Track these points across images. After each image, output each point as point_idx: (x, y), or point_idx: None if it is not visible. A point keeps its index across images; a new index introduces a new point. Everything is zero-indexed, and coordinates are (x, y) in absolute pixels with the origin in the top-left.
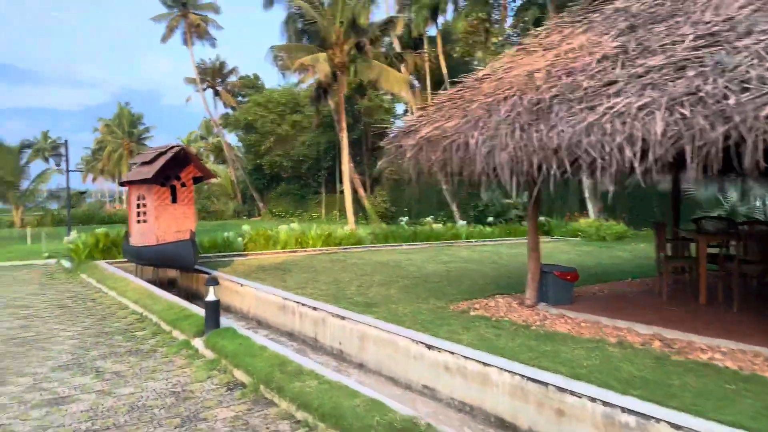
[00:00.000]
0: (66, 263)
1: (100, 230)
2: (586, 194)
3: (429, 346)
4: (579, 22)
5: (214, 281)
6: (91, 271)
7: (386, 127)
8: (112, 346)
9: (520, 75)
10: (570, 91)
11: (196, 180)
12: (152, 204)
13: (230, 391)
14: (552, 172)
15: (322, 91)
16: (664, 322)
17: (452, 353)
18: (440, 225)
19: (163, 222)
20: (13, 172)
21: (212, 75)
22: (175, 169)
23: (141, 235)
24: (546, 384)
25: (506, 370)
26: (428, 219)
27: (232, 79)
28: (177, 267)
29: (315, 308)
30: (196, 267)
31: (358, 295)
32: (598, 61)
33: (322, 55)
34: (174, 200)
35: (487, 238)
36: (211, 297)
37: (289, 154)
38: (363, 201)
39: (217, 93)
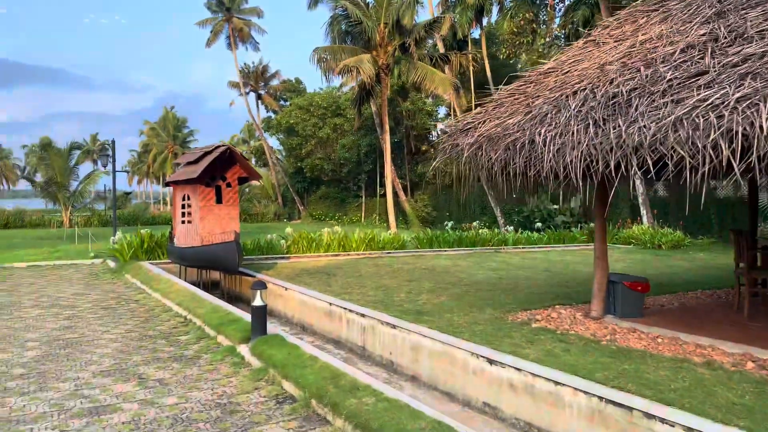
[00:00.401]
0: (111, 263)
1: (145, 231)
2: (640, 200)
3: (491, 361)
4: (654, 11)
5: (262, 285)
6: (135, 271)
7: (428, 131)
8: (155, 350)
9: (591, 68)
10: (651, 84)
11: (242, 180)
12: (197, 204)
13: (279, 405)
14: (632, 172)
15: (364, 93)
16: (751, 339)
17: (518, 369)
18: (486, 230)
19: (207, 223)
20: (62, 173)
21: (255, 79)
22: (220, 169)
23: (185, 236)
24: (630, 409)
25: (582, 391)
26: (474, 224)
27: (275, 82)
28: (221, 269)
29: (363, 315)
30: (240, 269)
31: (408, 303)
32: (682, 50)
33: (366, 57)
34: (219, 201)
35: (534, 245)
36: (258, 302)
37: (330, 158)
38: (404, 205)
39: (259, 97)
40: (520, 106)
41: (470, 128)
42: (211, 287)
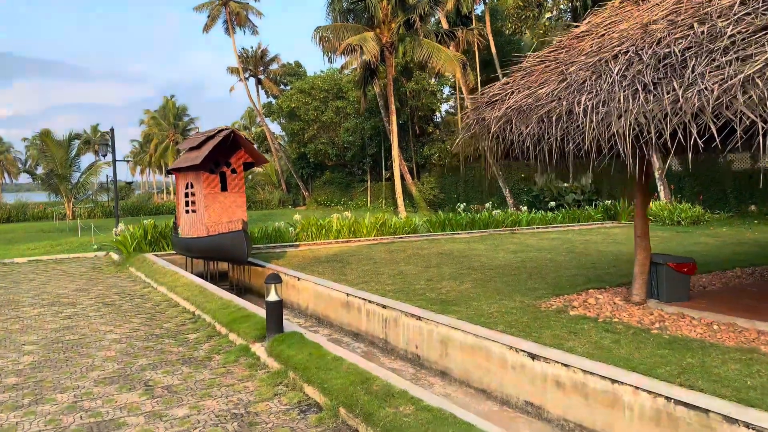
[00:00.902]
0: (115, 256)
1: (148, 221)
2: (656, 175)
3: (533, 356)
4: None
5: (276, 279)
6: (139, 264)
7: (433, 111)
8: (162, 352)
9: (632, 29)
10: (710, 41)
11: (247, 166)
12: (201, 192)
13: (303, 415)
14: (691, 141)
15: (368, 73)
16: None
17: (566, 365)
18: (499, 211)
19: (213, 212)
20: (63, 165)
21: (254, 63)
22: (224, 155)
23: (190, 227)
24: (706, 411)
25: (645, 390)
26: (487, 205)
27: (274, 66)
28: (229, 260)
29: (385, 306)
30: (249, 259)
31: (431, 291)
32: (742, 2)
33: (370, 35)
34: (224, 188)
35: (549, 225)
36: (272, 296)
37: (333, 142)
38: (410, 188)
39: (259, 82)
40: (553, 74)
41: (497, 100)
42: (219, 278)
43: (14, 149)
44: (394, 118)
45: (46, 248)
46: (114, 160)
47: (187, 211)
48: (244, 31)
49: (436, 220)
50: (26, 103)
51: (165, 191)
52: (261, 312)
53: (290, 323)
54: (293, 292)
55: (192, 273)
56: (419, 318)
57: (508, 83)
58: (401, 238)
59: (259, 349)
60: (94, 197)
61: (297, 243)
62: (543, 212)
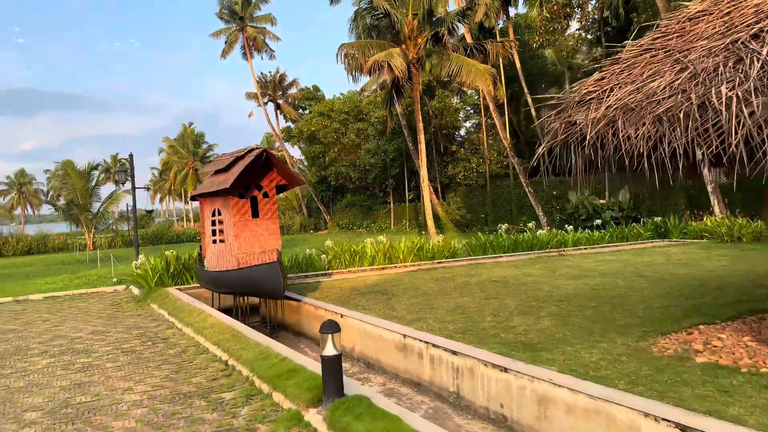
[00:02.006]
0: (135, 290)
1: (170, 252)
2: (709, 188)
3: (683, 428)
4: None
5: (333, 327)
6: (161, 300)
7: (457, 129)
8: (192, 420)
9: None
10: None
11: (280, 189)
12: (230, 220)
13: None
14: None
15: (394, 90)
16: None
17: None
18: (543, 231)
19: (244, 241)
20: (83, 195)
21: (273, 88)
22: (255, 177)
23: (218, 258)
24: None
25: None
26: (531, 224)
27: (293, 91)
28: (263, 295)
29: (455, 352)
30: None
31: (504, 330)
32: None
33: (396, 50)
34: (255, 214)
35: (596, 245)
36: (330, 350)
37: (355, 164)
38: (436, 208)
39: (278, 106)
40: (664, 64)
41: (591, 99)
42: (249, 312)
43: (36, 181)
44: (422, 137)
45: (64, 282)
46: (133, 187)
47: (214, 241)
48: (262, 56)
49: (477, 243)
50: (48, 136)
51: (185, 219)
52: (309, 363)
53: (348, 379)
54: None
55: (219, 308)
56: (505, 369)
57: (603, 78)
58: (441, 263)
59: (314, 417)
60: (115, 227)
61: (330, 271)
62: (590, 231)
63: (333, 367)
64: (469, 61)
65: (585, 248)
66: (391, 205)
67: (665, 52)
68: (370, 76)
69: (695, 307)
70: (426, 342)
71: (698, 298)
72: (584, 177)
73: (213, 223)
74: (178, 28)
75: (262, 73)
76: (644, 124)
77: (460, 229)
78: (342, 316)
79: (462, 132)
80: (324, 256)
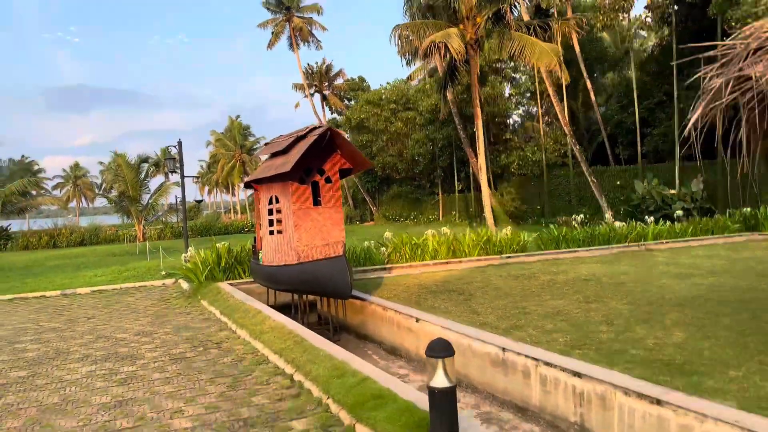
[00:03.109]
0: (184, 284)
1: (221, 245)
2: None
3: None
4: None
5: (445, 349)
6: (212, 296)
7: (509, 117)
8: None
9: None
10: None
11: (343, 173)
12: (289, 208)
13: None
14: None
15: (449, 74)
16: None
17: None
18: (622, 224)
19: (305, 232)
20: (134, 187)
21: (319, 79)
22: (317, 160)
23: (275, 251)
24: None
25: None
26: (607, 216)
27: (339, 81)
28: (326, 294)
29: (578, 374)
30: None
31: (630, 344)
32: None
33: (454, 31)
34: (316, 202)
35: (679, 238)
36: (441, 380)
37: (402, 154)
38: (489, 200)
39: (324, 98)
40: None
41: None
42: (308, 310)
43: (90, 174)
44: (479, 122)
45: (113, 274)
46: (182, 175)
47: (271, 232)
48: (308, 46)
49: (549, 236)
50: (102, 131)
51: (232, 210)
52: (398, 387)
53: (466, 414)
54: (411, 337)
55: (275, 304)
56: (657, 401)
57: None
58: (510, 258)
59: None
60: (164, 218)
61: (390, 266)
62: (670, 223)
63: (446, 403)
64: (533, 40)
65: (667, 242)
66: (440, 196)
67: None
68: (425, 59)
69: None
70: (535, 359)
71: None
72: (756, 148)
73: (270, 212)
74: (226, 22)
75: (308, 64)
76: None
77: (514, 221)
78: (417, 320)
79: (512, 120)
80: (383, 249)
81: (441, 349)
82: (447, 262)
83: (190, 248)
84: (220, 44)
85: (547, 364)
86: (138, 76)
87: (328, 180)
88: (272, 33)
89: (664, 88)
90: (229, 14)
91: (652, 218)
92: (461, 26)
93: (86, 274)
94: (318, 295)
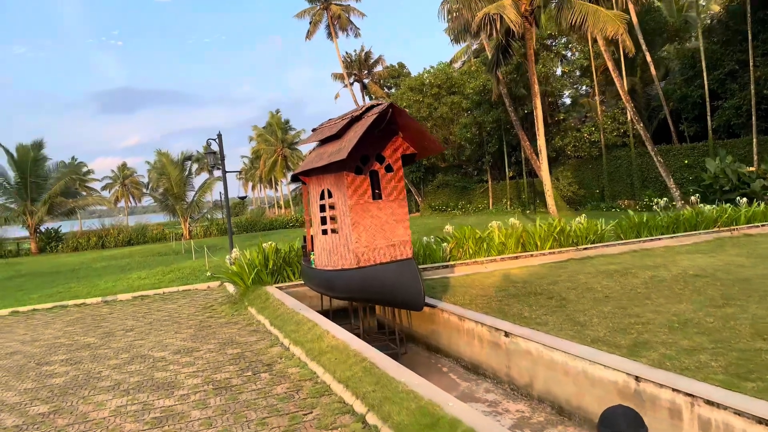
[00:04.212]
0: (230, 287)
1: (268, 245)
2: None
3: None
4: None
5: (634, 421)
6: (260, 303)
7: (561, 97)
8: None
9: None
10: None
11: (406, 160)
12: (345, 204)
13: None
14: None
15: (501, 52)
16: None
17: None
18: (709, 207)
19: (364, 231)
20: (178, 185)
21: (359, 67)
22: (374, 145)
23: (330, 254)
24: None
25: None
26: (692, 198)
27: (378, 69)
28: (396, 305)
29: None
30: None
31: None
32: None
33: (508, 1)
34: (376, 195)
35: None
36: None
37: (447, 140)
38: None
39: (364, 86)
40: None
41: None
42: (368, 313)
43: (137, 173)
44: (538, 101)
45: (157, 276)
46: (224, 171)
47: (324, 232)
48: (347, 34)
49: (628, 224)
50: (149, 132)
51: (276, 206)
52: None
53: None
54: (497, 353)
55: (330, 308)
56: None
57: None
58: (587, 249)
59: None
60: (210, 215)
61: (452, 263)
62: (765, 204)
63: None
64: (596, 8)
65: (763, 225)
66: (489, 183)
67: None
68: (476, 35)
69: None
70: (689, 394)
71: None
72: None
73: (322, 208)
74: (264, 17)
75: (347, 53)
76: None
77: (572, 207)
78: (508, 334)
79: (563, 101)
80: (445, 244)
81: (629, 426)
82: (516, 257)
83: (234, 249)
84: (258, 40)
85: (709, 403)
86: (180, 76)
87: (388, 168)
88: (310, 23)
89: (737, 56)
90: (267, 8)
91: (744, 200)
92: None
93: (130, 277)
94: (383, 304)
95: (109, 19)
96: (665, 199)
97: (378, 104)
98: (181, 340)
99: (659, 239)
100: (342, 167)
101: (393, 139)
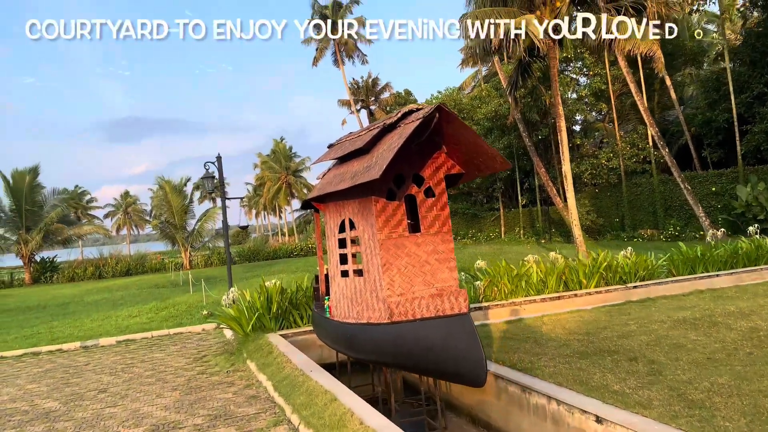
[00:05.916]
0: (228, 333)
1: (272, 283)
2: None
3: None
4: None
5: None
6: (262, 357)
7: (578, 122)
8: None
9: None
10: None
11: (451, 180)
12: (374, 238)
13: None
14: None
15: (520, 73)
16: None
17: None
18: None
19: (399, 274)
20: (179, 213)
21: (365, 94)
22: (410, 163)
23: (351, 302)
24: None
25: None
26: (751, 229)
27: (385, 95)
28: (446, 377)
29: None
30: None
31: None
32: None
33: (531, 17)
34: (414, 227)
35: None
36: None
37: None
38: (561, 213)
39: (371, 113)
40: None
41: None
42: (394, 373)
43: (140, 201)
44: (562, 123)
45: (149, 314)
46: (223, 196)
47: (344, 273)
48: (353, 61)
49: (680, 258)
50: (155, 160)
51: (279, 233)
52: None
53: None
54: None
55: (349, 369)
56: None
57: None
58: (637, 288)
59: None
60: (211, 244)
61: (486, 304)
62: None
63: None
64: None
65: None
66: (501, 211)
67: None
68: (498, 50)
69: None
70: None
71: None
72: None
73: (341, 243)
74: (268, 47)
75: (353, 79)
76: None
77: (591, 236)
78: (600, 420)
79: (577, 126)
80: (478, 282)
81: None
82: (558, 297)
83: (233, 289)
84: (263, 70)
85: None
86: (185, 105)
87: (429, 193)
88: (316, 49)
89: (765, 78)
90: (272, 36)
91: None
92: (538, 12)
93: (120, 315)
94: (425, 375)
95: (116, 49)
96: (721, 230)
97: (419, 108)
98: (162, 409)
99: (717, 275)
100: (369, 191)
101: (435, 154)
